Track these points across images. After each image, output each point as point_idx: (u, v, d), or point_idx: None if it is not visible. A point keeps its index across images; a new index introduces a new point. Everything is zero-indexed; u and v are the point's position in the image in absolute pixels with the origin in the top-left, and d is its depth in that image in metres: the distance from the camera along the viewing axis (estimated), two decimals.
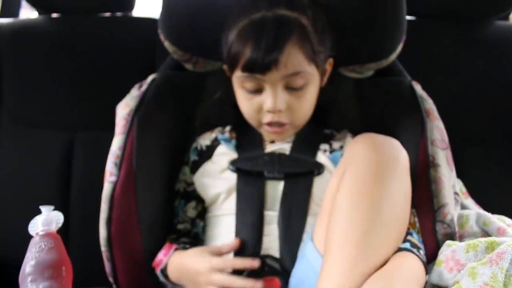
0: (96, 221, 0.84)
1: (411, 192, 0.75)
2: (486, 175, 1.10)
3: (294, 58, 0.79)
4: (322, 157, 0.88)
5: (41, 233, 0.68)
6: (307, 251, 0.76)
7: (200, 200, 0.93)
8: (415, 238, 0.74)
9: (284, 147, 0.89)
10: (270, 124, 0.84)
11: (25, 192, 1.10)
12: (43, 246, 0.66)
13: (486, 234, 0.80)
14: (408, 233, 0.73)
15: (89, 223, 0.88)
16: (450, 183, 0.82)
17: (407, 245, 0.71)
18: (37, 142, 1.13)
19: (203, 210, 0.93)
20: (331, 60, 0.90)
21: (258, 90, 0.82)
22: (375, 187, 0.69)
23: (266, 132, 0.88)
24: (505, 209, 0.85)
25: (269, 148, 0.90)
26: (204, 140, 0.94)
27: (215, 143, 0.93)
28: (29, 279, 0.64)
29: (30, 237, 0.69)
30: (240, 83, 0.84)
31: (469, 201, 0.97)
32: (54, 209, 0.72)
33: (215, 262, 0.76)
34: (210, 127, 0.96)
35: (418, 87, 0.92)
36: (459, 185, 0.99)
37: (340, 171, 0.75)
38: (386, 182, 0.70)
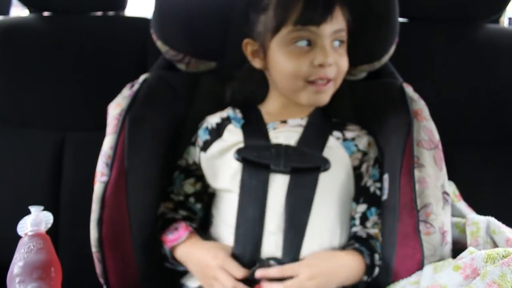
0: (86, 222, 0.83)
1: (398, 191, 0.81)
2: (478, 177, 1.11)
3: (340, 16, 0.86)
4: (334, 142, 0.89)
5: (30, 233, 0.68)
6: None
7: (199, 178, 0.93)
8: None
9: (290, 135, 0.89)
10: (318, 80, 0.85)
11: (14, 192, 1.09)
12: (32, 247, 0.66)
13: (494, 243, 0.79)
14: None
15: (80, 224, 0.87)
16: (437, 183, 0.82)
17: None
18: (27, 142, 1.12)
19: (201, 189, 0.92)
20: None
21: (309, 45, 0.84)
22: None
23: (307, 95, 0.87)
24: (497, 212, 0.85)
25: (273, 135, 0.90)
26: (214, 118, 0.94)
27: (225, 122, 0.93)
28: (17, 280, 0.63)
29: (19, 237, 0.68)
30: (289, 40, 0.84)
31: (461, 204, 0.97)
32: (44, 209, 0.71)
33: (227, 263, 0.78)
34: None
35: (409, 89, 0.93)
36: (452, 188, 0.99)
37: None
38: None
